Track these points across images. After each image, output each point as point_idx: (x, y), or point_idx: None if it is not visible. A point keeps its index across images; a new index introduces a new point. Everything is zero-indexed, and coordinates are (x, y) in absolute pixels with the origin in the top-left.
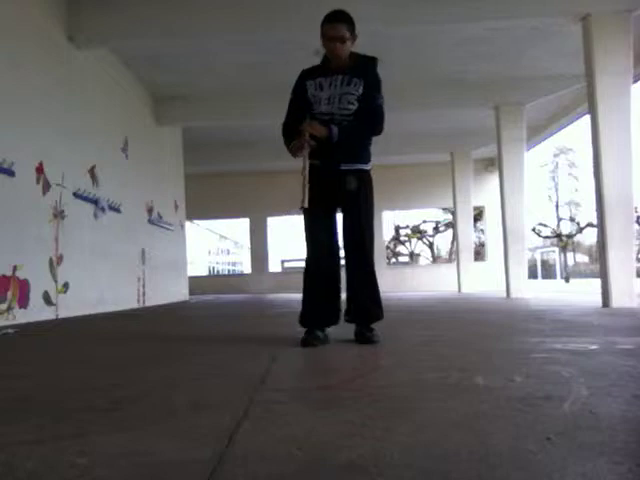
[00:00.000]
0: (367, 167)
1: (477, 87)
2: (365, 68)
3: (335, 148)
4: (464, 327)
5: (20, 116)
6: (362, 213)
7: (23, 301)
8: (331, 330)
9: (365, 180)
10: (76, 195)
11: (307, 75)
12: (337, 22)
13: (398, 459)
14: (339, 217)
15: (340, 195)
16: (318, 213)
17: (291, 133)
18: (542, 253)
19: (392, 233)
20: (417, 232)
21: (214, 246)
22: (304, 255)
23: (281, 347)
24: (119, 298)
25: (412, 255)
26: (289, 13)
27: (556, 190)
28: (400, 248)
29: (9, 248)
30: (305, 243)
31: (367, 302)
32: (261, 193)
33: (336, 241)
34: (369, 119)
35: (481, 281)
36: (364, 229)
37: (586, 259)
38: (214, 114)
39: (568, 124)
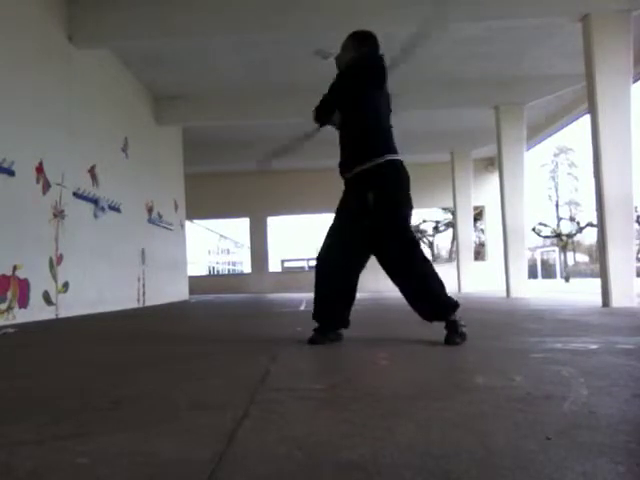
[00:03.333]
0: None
1: (477, 87)
2: None
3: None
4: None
5: (20, 116)
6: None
7: (23, 301)
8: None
9: (385, 181)
10: (76, 195)
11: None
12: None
13: (398, 459)
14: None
15: (358, 209)
16: (350, 226)
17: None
18: (542, 253)
19: None
20: (417, 232)
21: (214, 246)
22: (318, 256)
23: (281, 347)
24: (119, 298)
25: None
26: (289, 13)
27: (556, 190)
28: None
29: (9, 248)
30: (325, 245)
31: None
32: (261, 193)
33: (364, 256)
34: None
35: (481, 281)
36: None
37: (586, 259)
38: (214, 114)
39: (568, 124)
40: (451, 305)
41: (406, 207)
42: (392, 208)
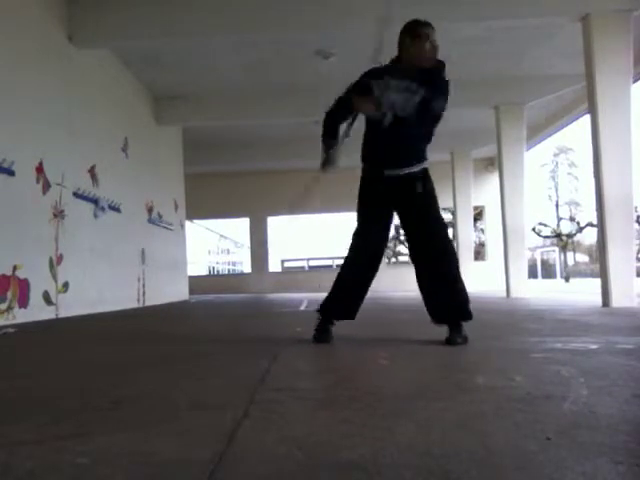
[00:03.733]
0: (426, 165)
1: (477, 87)
2: (431, 75)
3: (395, 153)
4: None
5: (20, 116)
6: (434, 215)
7: (23, 301)
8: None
9: (428, 179)
10: (76, 195)
11: (373, 75)
12: (431, 28)
13: (398, 459)
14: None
15: (403, 200)
16: (374, 217)
17: (333, 125)
18: (542, 253)
19: (392, 233)
20: None
21: (214, 246)
22: (345, 252)
23: (281, 347)
24: (119, 298)
25: None
26: (289, 13)
27: (556, 190)
28: (400, 248)
29: (9, 248)
30: (351, 241)
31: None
32: (261, 193)
33: (383, 248)
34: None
35: (481, 281)
36: (443, 232)
37: (586, 259)
38: (214, 114)
39: (568, 124)
40: (465, 313)
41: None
42: (434, 203)
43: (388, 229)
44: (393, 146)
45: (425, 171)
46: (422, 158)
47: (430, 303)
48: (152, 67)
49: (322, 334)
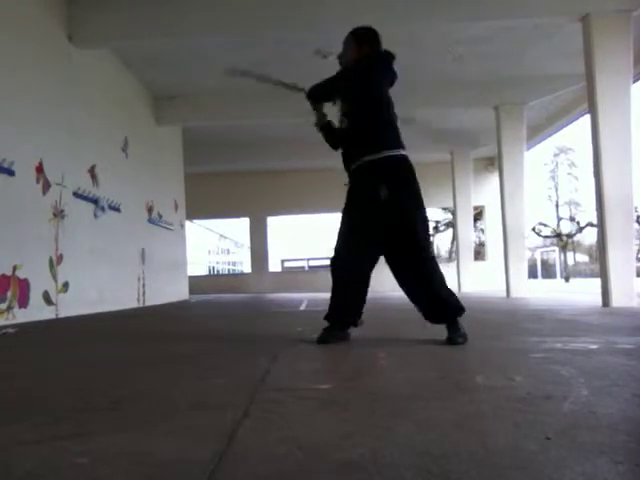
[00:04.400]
0: (398, 152)
1: (477, 87)
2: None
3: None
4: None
5: (20, 116)
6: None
7: (23, 301)
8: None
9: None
10: (76, 195)
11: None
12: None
13: (398, 459)
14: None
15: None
16: (363, 218)
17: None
18: (542, 253)
19: None
20: None
21: (214, 246)
22: (333, 252)
23: (281, 347)
24: (119, 298)
25: None
26: (289, 13)
27: (556, 190)
28: None
29: (9, 248)
30: (340, 241)
31: (448, 299)
32: (261, 193)
33: (378, 251)
34: None
35: (481, 281)
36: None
37: (586, 259)
38: (214, 114)
39: (568, 124)
40: (458, 309)
41: (421, 208)
42: (406, 208)
43: (371, 236)
44: (347, 139)
45: (403, 160)
46: (377, 146)
47: (423, 307)
48: (152, 67)
49: (327, 335)
